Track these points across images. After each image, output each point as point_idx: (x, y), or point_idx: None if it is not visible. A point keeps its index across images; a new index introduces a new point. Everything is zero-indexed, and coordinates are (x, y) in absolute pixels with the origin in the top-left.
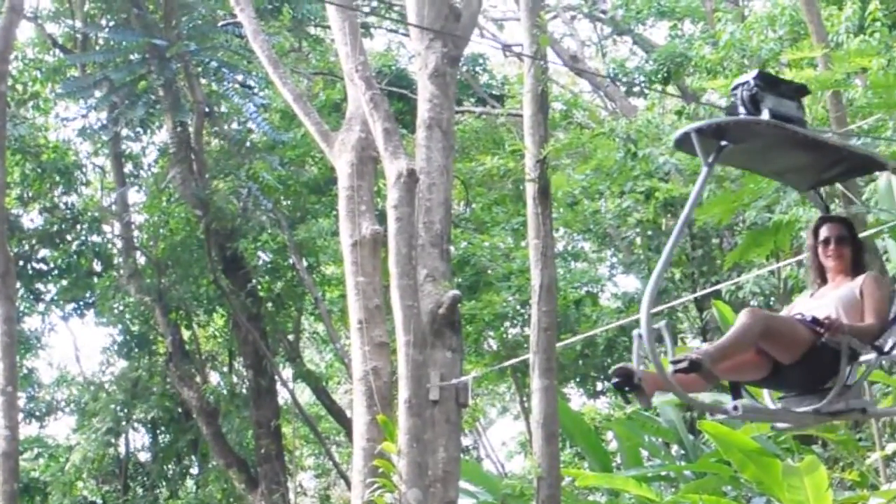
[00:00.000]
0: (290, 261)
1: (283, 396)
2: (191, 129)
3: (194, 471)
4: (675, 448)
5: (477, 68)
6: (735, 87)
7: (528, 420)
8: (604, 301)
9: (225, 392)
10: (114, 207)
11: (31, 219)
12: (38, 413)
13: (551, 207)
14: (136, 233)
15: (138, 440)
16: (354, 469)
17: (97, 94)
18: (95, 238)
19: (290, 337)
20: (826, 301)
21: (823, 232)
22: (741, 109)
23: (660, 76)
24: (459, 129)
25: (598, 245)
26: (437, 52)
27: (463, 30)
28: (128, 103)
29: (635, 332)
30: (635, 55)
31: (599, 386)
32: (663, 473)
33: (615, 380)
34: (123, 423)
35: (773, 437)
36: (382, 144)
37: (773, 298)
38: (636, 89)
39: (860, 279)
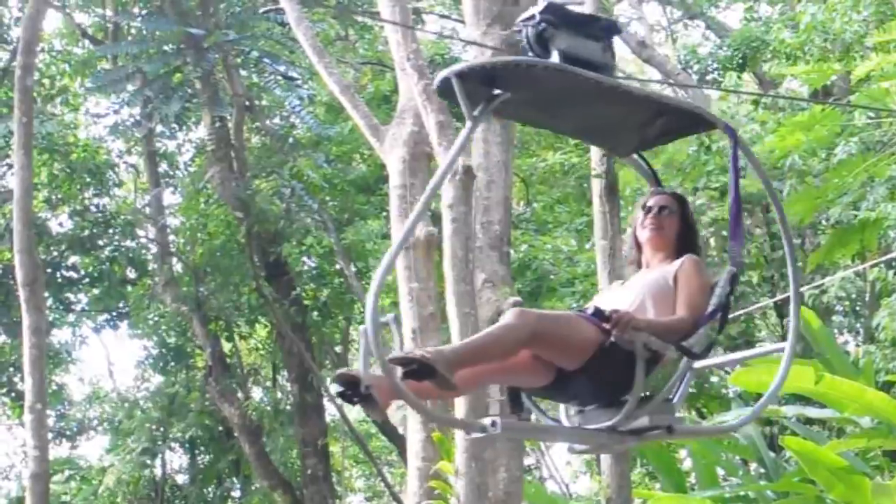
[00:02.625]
0: (338, 266)
1: (330, 413)
2: (230, 125)
3: (236, 493)
4: (754, 466)
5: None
6: (520, 24)
7: None
8: None
9: (268, 408)
10: (148, 210)
11: (60, 223)
12: (69, 432)
13: (619, 206)
14: (172, 237)
15: (175, 461)
16: (409, 491)
17: (129, 87)
18: (129, 243)
19: (338, 348)
20: (633, 289)
21: (648, 202)
22: (530, 52)
23: (735, 62)
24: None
25: None
26: (494, 38)
27: (522, 13)
28: (162, 97)
29: (361, 329)
30: (708, 40)
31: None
32: (742, 494)
33: (338, 388)
34: (160, 442)
35: (861, 454)
36: (437, 139)
37: (859, 303)
38: (709, 77)
39: (678, 263)
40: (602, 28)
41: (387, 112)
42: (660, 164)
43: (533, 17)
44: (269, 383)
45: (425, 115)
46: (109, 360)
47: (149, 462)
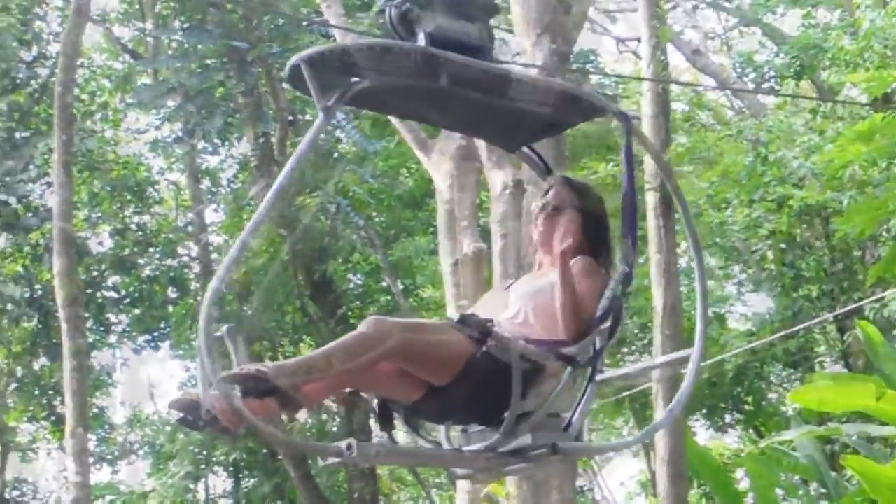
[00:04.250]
0: (385, 283)
1: (377, 434)
2: (273, 140)
3: None
4: (813, 486)
5: (588, 65)
6: (384, 4)
7: (648, 457)
8: (732, 323)
9: (314, 430)
10: (190, 228)
11: (101, 242)
12: (110, 456)
13: (673, 219)
14: (214, 255)
15: (219, 485)
16: None
17: (171, 103)
18: (170, 262)
19: None
20: (517, 295)
21: (548, 196)
22: (395, 36)
23: (792, 70)
24: (569, 134)
25: (724, 260)
26: (545, 48)
27: (574, 23)
28: (204, 113)
29: (197, 343)
30: (764, 48)
31: (728, 418)
32: None
33: (177, 415)
34: (203, 466)
35: None
36: (485, 153)
37: None
38: (765, 86)
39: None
40: (479, 7)
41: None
42: (716, 176)
43: None
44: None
45: None
46: (151, 382)
47: (191, 486)
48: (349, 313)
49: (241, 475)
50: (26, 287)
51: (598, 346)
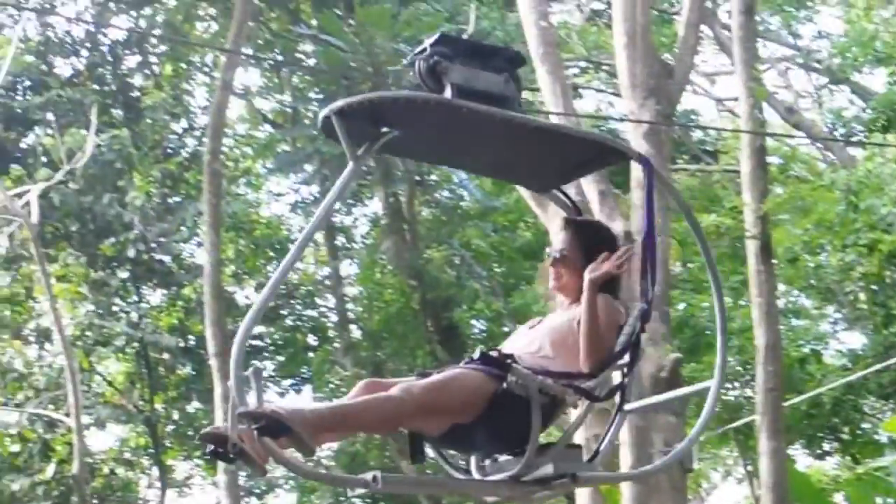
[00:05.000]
0: (506, 328)
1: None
2: (402, 199)
3: None
4: None
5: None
6: (413, 57)
7: (752, 484)
8: (828, 359)
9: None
10: (327, 281)
11: (246, 296)
12: (257, 490)
13: (772, 264)
14: (350, 305)
15: None
16: None
17: (308, 167)
18: (310, 312)
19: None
20: (538, 331)
21: (557, 243)
22: (423, 87)
23: (879, 124)
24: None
25: (820, 301)
26: (650, 109)
27: (676, 86)
28: (339, 176)
29: (228, 383)
30: (853, 104)
31: (826, 446)
32: None
33: (208, 447)
34: (342, 498)
35: None
36: (598, 206)
37: None
38: (855, 138)
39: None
40: (505, 60)
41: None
42: (811, 223)
43: (425, 49)
44: None
45: (586, 185)
46: None
47: None
48: None
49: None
50: (180, 337)
51: (624, 380)
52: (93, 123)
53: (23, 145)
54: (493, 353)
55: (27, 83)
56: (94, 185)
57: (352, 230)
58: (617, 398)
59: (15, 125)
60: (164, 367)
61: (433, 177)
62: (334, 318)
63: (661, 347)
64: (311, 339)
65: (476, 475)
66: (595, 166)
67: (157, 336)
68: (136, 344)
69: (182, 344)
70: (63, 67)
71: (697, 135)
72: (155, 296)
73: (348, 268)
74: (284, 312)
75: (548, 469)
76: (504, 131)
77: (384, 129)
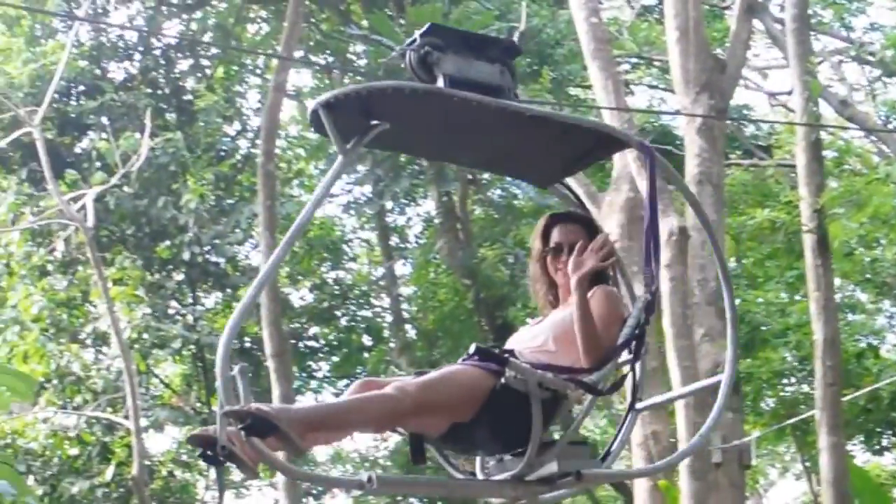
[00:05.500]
0: None
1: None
2: (455, 198)
3: None
4: None
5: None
6: (404, 48)
7: (810, 480)
8: (885, 353)
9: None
10: (381, 281)
11: (302, 297)
12: (314, 491)
13: (830, 259)
14: (405, 305)
15: None
16: None
17: (361, 168)
18: (365, 313)
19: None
20: (541, 327)
21: (555, 235)
22: (415, 79)
23: None
24: (727, 183)
25: (875, 295)
26: (703, 104)
27: (728, 81)
28: (392, 176)
29: (216, 384)
30: None
31: (885, 441)
32: None
33: (198, 450)
34: (399, 497)
35: None
36: None
37: None
38: None
39: (588, 296)
40: (501, 50)
41: (601, 180)
42: (866, 217)
43: (415, 41)
44: None
45: (640, 181)
46: None
47: None
48: None
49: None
50: (237, 339)
51: (634, 375)
52: (146, 127)
53: (77, 150)
54: (489, 348)
55: (81, 88)
56: (149, 189)
57: (405, 230)
58: (628, 397)
59: (69, 130)
60: None
61: (486, 175)
62: (389, 318)
63: (718, 343)
64: (367, 340)
65: (480, 476)
66: (596, 156)
67: (214, 338)
68: (192, 346)
69: (239, 345)
70: (116, 72)
71: (750, 130)
72: (210, 298)
73: (402, 268)
74: (339, 313)
75: (552, 467)
76: (500, 122)
77: (374, 123)
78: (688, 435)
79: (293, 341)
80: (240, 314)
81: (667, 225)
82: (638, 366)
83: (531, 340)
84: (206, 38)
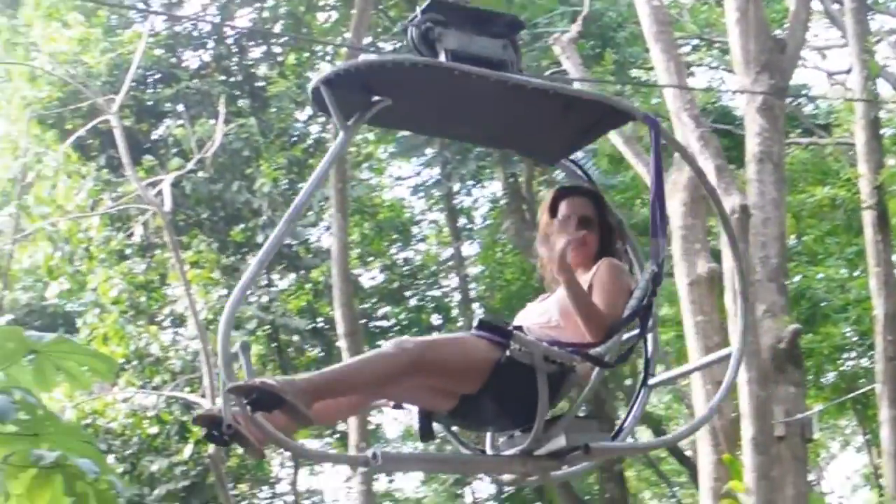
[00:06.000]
0: None
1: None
2: (521, 180)
3: None
4: None
5: (801, 99)
6: (406, 24)
7: (870, 453)
8: None
9: None
10: (450, 262)
11: (372, 277)
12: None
13: (890, 234)
14: (472, 285)
15: (484, 490)
16: None
17: (429, 151)
18: (434, 292)
19: (628, 381)
20: (549, 302)
21: (562, 209)
22: (417, 55)
23: None
24: (787, 162)
25: None
26: (763, 84)
27: (788, 61)
28: (459, 158)
29: (217, 361)
30: None
31: None
32: None
33: (203, 430)
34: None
35: None
36: (715, 180)
37: None
38: None
39: (593, 270)
40: (505, 24)
41: (664, 159)
42: None
43: (416, 17)
44: None
45: (702, 161)
46: None
47: (459, 492)
48: None
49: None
50: (310, 319)
51: (650, 350)
52: (221, 113)
53: (154, 136)
54: (493, 320)
55: (157, 76)
56: (224, 173)
57: (472, 211)
58: (641, 371)
59: (146, 117)
60: (294, 349)
61: None
62: (457, 297)
63: (780, 319)
64: (436, 319)
65: (490, 453)
66: (600, 130)
67: (287, 319)
68: (267, 327)
69: (311, 325)
70: (191, 60)
71: (809, 109)
72: (284, 280)
73: (470, 248)
74: (409, 293)
75: (560, 441)
76: (502, 96)
77: (376, 98)
78: (750, 409)
79: (364, 321)
80: (241, 290)
81: (729, 203)
82: (650, 339)
83: (539, 316)
84: (278, 26)
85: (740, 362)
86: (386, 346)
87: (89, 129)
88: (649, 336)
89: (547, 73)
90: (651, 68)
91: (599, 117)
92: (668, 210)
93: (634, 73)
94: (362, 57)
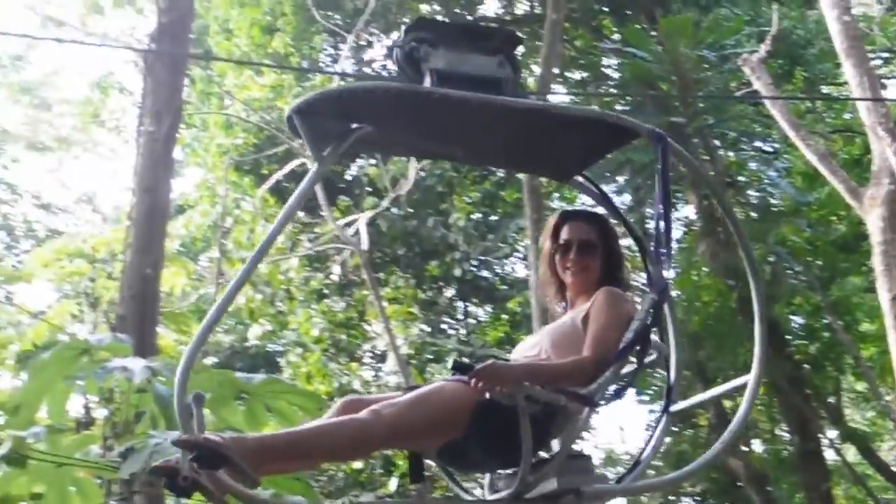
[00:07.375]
0: (826, 321)
1: (831, 458)
2: (715, 202)
3: None
4: None
5: None
6: (391, 47)
7: None
8: None
9: (770, 458)
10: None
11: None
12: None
13: None
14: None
15: None
16: None
17: (620, 178)
18: None
19: (831, 398)
20: (539, 336)
21: (564, 233)
22: (403, 77)
23: None
24: None
25: None
26: None
27: None
28: (651, 183)
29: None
30: None
31: None
32: None
33: (163, 480)
34: (671, 497)
35: None
36: None
37: None
38: None
39: (593, 298)
40: (500, 41)
41: (858, 175)
42: None
43: (399, 37)
44: (766, 435)
45: None
46: (620, 425)
47: None
48: (794, 350)
49: (710, 502)
50: (509, 350)
51: (672, 378)
52: None
53: (348, 177)
54: (463, 362)
55: None
56: (418, 210)
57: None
58: (663, 399)
59: (340, 158)
60: None
61: (741, 178)
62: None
63: None
64: None
65: (488, 494)
66: (610, 147)
67: (486, 350)
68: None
69: None
70: None
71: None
72: (481, 311)
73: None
74: None
75: (552, 484)
76: (496, 117)
77: (355, 126)
78: None
79: None
80: (198, 340)
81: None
82: (673, 367)
83: (530, 349)
84: None
85: (756, 390)
86: (362, 414)
87: (285, 173)
88: (672, 363)
89: (738, 93)
90: (841, 84)
91: (605, 134)
92: (872, 226)
93: (825, 89)
94: (335, 84)
